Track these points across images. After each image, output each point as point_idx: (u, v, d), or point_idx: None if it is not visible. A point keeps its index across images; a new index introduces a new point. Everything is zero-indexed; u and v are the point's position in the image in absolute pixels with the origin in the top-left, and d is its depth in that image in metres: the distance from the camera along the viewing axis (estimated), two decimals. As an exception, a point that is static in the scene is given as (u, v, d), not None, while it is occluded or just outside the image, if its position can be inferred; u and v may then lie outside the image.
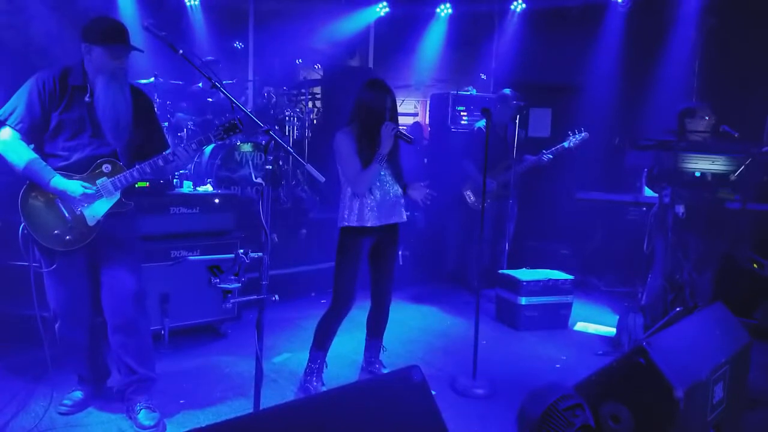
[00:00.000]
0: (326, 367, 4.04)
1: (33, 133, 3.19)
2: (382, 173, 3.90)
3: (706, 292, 4.82)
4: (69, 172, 3.21)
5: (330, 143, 3.97)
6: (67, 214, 3.20)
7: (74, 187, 3.17)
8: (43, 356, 3.35)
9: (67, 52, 5.70)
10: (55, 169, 3.19)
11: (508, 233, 6.38)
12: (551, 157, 6.13)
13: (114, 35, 3.20)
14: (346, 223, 3.88)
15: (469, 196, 6.41)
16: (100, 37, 3.18)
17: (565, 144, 6.11)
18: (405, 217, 4.06)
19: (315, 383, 3.97)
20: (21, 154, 3.14)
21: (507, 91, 6.31)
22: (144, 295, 3.53)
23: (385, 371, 4.21)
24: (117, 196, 3.29)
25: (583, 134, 6.10)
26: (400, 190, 4.02)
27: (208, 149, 6.34)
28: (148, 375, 3.51)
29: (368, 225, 3.85)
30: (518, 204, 6.43)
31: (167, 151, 3.33)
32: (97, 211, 3.24)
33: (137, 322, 3.45)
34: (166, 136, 3.70)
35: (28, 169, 3.14)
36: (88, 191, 3.19)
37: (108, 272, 3.39)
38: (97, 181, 3.24)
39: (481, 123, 6.38)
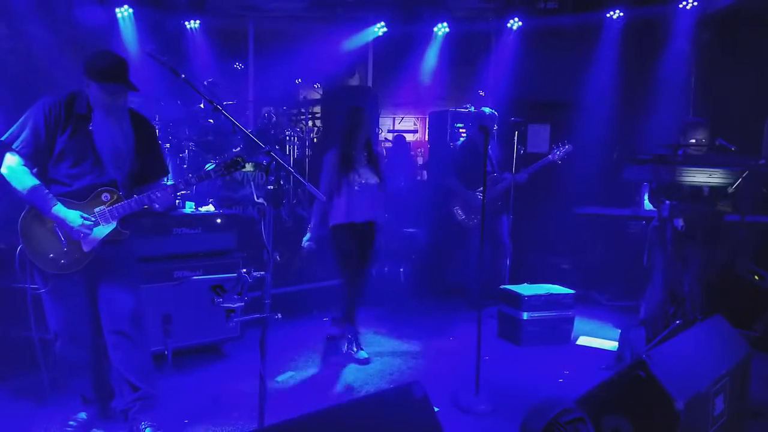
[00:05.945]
0: (360, 334, 5.06)
1: (37, 157, 3.24)
2: (358, 179, 4.73)
3: (706, 304, 4.83)
4: (69, 198, 3.26)
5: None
6: (63, 239, 3.24)
7: (74, 216, 3.20)
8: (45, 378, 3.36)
9: (68, 75, 5.77)
10: (57, 195, 3.23)
11: (507, 248, 6.40)
12: (526, 177, 6.19)
13: (109, 74, 3.22)
14: (330, 223, 4.84)
15: (459, 213, 6.40)
16: (96, 75, 3.22)
17: (550, 157, 6.18)
18: (381, 217, 4.89)
19: (356, 349, 4.94)
20: (24, 180, 3.19)
21: (485, 109, 6.41)
22: (142, 313, 3.53)
23: (363, 355, 4.91)
24: (113, 224, 3.33)
25: (567, 146, 6.18)
26: (377, 194, 4.81)
27: (209, 168, 6.38)
28: (151, 392, 3.50)
29: (345, 222, 4.76)
30: (512, 218, 6.45)
31: (164, 180, 3.37)
32: (92, 237, 3.28)
33: (135, 338, 3.45)
34: (167, 162, 3.75)
35: (30, 195, 3.18)
36: (87, 222, 3.23)
37: (105, 293, 3.41)
38: (95, 210, 3.28)
39: (461, 140, 6.56)
